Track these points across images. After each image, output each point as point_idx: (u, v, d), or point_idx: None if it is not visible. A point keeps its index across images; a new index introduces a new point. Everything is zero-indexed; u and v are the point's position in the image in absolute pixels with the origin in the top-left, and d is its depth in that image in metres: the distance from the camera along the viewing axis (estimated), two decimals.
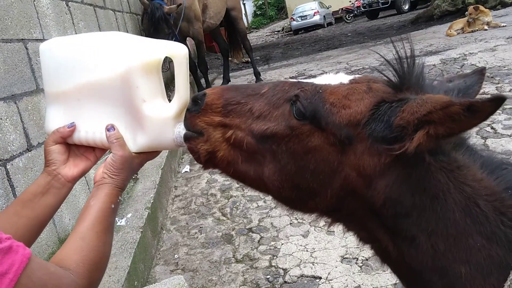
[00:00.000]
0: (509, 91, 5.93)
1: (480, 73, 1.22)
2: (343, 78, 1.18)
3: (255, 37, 33.62)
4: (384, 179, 1.06)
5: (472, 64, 7.41)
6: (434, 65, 7.98)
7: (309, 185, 1.13)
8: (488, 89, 6.09)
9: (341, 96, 1.12)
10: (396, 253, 1.10)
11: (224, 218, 4.41)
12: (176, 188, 5.27)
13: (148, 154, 1.38)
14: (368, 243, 1.20)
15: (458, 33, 10.85)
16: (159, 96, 1.37)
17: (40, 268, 0.95)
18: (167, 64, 5.81)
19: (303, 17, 31.64)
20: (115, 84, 1.34)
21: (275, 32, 36.89)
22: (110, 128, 1.33)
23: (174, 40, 7.60)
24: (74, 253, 1.10)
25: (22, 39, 3.19)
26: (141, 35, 4.55)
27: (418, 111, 0.97)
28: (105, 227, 1.20)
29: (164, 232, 4.33)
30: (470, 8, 11.07)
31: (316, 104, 1.11)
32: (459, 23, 11.11)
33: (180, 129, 1.33)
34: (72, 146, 1.42)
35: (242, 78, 12.04)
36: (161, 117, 1.34)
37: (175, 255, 3.91)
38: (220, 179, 5.21)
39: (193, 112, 1.28)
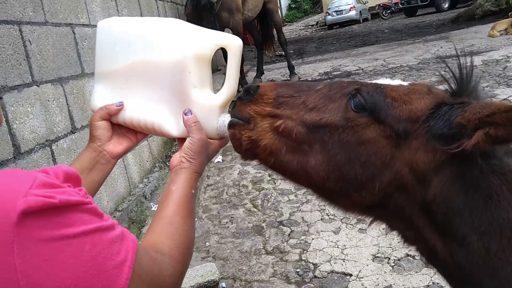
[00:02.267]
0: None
1: None
2: (402, 82, 1.22)
3: (288, 31, 33.43)
4: (437, 176, 1.07)
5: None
6: (475, 66, 7.78)
7: (357, 177, 1.14)
8: None
9: (402, 93, 1.15)
10: (445, 252, 1.09)
11: (255, 209, 4.44)
12: (209, 177, 5.32)
13: (221, 141, 1.38)
14: (414, 244, 1.19)
15: (501, 34, 10.51)
16: (208, 85, 1.39)
17: (144, 253, 0.92)
18: None
19: (339, 12, 31.21)
20: (167, 67, 1.36)
21: (309, 26, 36.59)
22: (187, 112, 1.34)
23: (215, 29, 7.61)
24: (166, 238, 1.08)
25: (70, 24, 3.27)
26: None
27: (481, 112, 1.00)
28: (188, 211, 1.19)
29: (196, 220, 4.39)
30: None
31: (377, 97, 1.14)
32: (503, 23, 10.76)
33: (225, 119, 1.35)
34: (115, 125, 1.44)
35: (275, 71, 12.02)
36: (208, 104, 1.36)
37: (206, 243, 3.96)
38: (252, 171, 5.24)
39: (244, 100, 1.29)
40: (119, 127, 1.45)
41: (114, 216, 3.55)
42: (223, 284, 3.35)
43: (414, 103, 1.12)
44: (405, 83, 1.20)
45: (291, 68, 10.37)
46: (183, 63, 1.34)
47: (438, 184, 1.07)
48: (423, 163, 1.08)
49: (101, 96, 1.47)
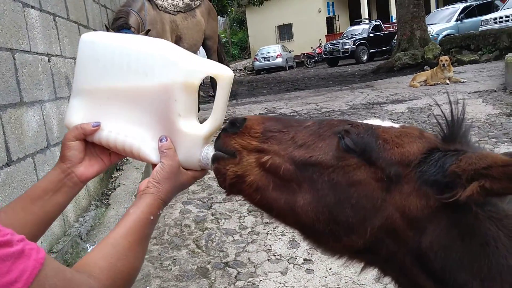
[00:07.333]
0: (474, 142, 6.19)
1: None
2: (393, 124, 1.20)
3: None
4: (432, 222, 1.05)
5: (439, 115, 7.71)
6: (402, 112, 8.29)
7: (348, 220, 1.09)
8: None
9: (394, 135, 1.13)
10: None
11: (199, 250, 4.25)
12: None
13: (197, 173, 1.32)
14: None
15: (421, 85, 11.39)
16: (193, 114, 1.33)
17: (55, 274, 0.87)
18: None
19: (266, 58, 32.48)
20: (152, 92, 1.30)
21: (237, 70, 37.43)
22: (163, 138, 1.29)
23: None
24: (101, 259, 1.03)
25: (11, 49, 3.04)
26: None
27: (477, 163, 0.99)
28: (140, 237, 1.12)
29: None
30: (444, 57, 11.70)
31: (368, 139, 1.12)
32: (422, 75, 11.70)
33: (208, 151, 1.29)
34: (89, 145, 1.35)
35: (210, 111, 11.98)
36: (192, 135, 1.30)
37: (147, 287, 3.69)
38: (194, 210, 5.06)
39: (229, 133, 1.24)
40: (92, 146, 1.36)
41: None
42: None
43: (406, 147, 1.10)
44: (396, 125, 1.19)
45: None
46: (169, 90, 1.28)
47: (434, 231, 1.04)
48: (416, 208, 1.05)
49: (78, 112, 1.37)
